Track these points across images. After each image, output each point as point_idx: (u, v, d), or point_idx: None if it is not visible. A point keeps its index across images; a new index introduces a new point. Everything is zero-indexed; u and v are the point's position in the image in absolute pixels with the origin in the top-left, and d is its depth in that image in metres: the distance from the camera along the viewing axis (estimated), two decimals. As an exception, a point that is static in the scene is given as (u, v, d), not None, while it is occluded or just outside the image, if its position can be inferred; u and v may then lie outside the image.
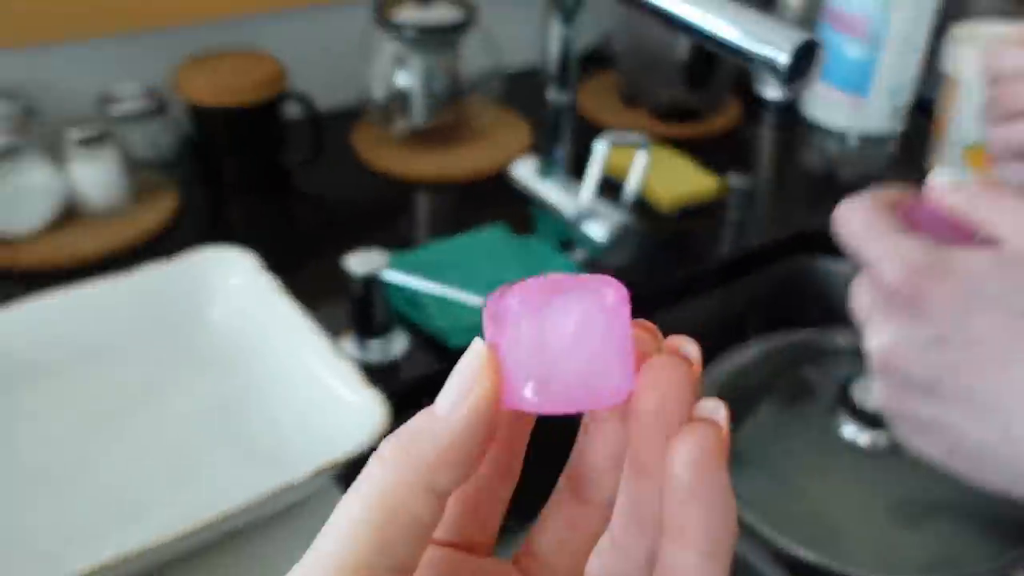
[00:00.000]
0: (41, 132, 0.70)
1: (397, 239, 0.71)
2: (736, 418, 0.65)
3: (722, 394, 0.64)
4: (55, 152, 0.70)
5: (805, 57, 0.42)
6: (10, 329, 0.55)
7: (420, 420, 0.19)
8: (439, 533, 0.22)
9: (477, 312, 0.59)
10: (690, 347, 0.20)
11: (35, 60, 0.74)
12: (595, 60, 1.01)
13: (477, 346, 0.20)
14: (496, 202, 0.75)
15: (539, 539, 0.23)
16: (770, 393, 0.67)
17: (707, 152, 0.83)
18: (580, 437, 0.22)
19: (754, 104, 0.94)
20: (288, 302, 0.56)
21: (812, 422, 0.63)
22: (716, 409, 0.19)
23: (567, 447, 0.22)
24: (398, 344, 0.59)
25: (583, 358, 0.19)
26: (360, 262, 0.56)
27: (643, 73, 0.91)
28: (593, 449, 0.21)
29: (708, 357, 0.67)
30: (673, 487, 0.18)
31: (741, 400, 0.65)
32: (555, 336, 0.19)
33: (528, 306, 0.20)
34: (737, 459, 0.61)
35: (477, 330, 0.64)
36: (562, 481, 0.23)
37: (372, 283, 0.56)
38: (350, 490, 0.19)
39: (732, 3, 0.45)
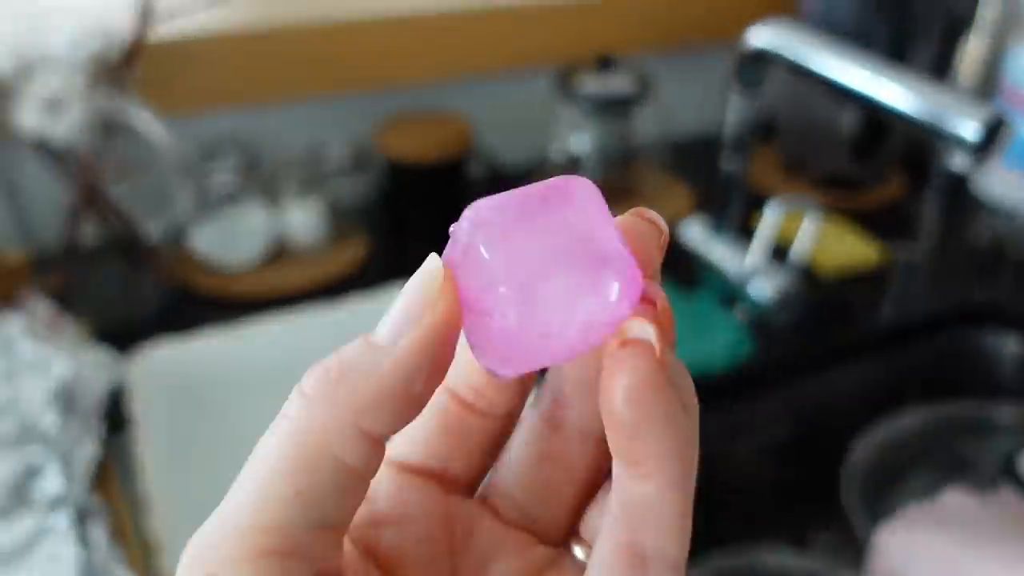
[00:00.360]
0: (261, 179, 0.80)
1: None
2: (895, 484, 0.66)
3: (878, 461, 0.65)
4: (271, 197, 0.79)
5: (992, 133, 0.44)
6: (231, 349, 0.63)
7: (354, 350, 0.17)
8: (411, 454, 0.20)
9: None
10: (655, 287, 0.18)
11: (259, 117, 0.84)
12: (758, 129, 1.05)
13: (431, 264, 0.17)
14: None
15: (504, 474, 0.20)
16: (927, 463, 0.68)
17: (870, 222, 0.85)
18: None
19: (920, 177, 0.95)
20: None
21: (976, 496, 0.63)
22: (643, 329, 0.16)
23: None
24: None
25: (565, 290, 0.17)
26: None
27: (807, 143, 0.94)
28: (568, 370, 0.19)
29: (863, 422, 0.68)
30: (618, 426, 0.16)
31: (896, 468, 0.66)
32: (527, 274, 0.17)
33: (488, 236, 0.17)
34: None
35: None
36: (530, 409, 0.20)
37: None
38: (267, 432, 0.17)
39: (921, 79, 0.48)
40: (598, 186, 0.18)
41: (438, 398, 0.20)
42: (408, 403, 0.16)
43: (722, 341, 0.66)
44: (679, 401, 0.17)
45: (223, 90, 0.80)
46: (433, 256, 0.17)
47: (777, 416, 0.71)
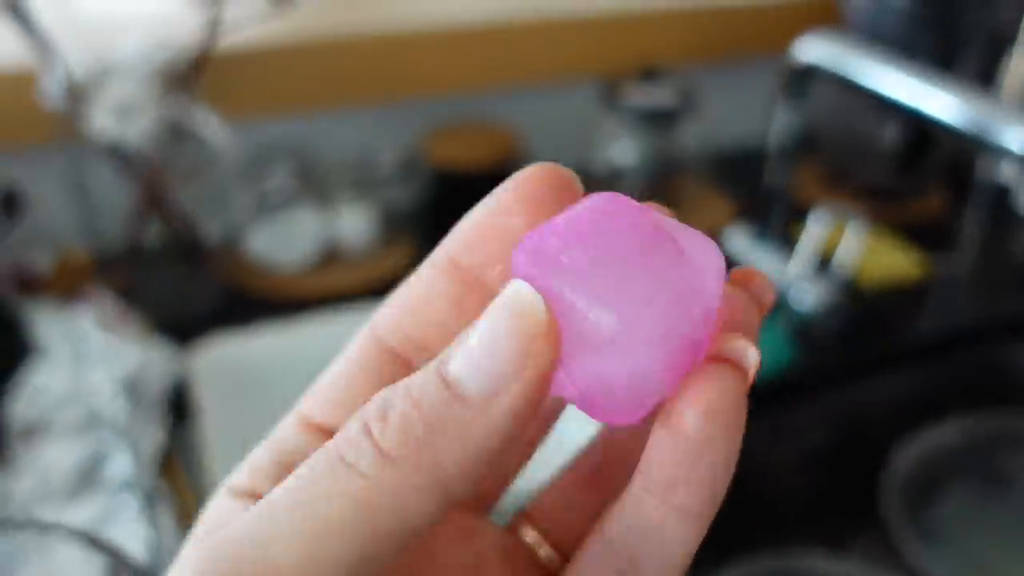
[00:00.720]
0: (314, 184, 0.83)
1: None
2: (934, 495, 0.66)
3: (917, 470, 0.66)
4: (324, 201, 0.82)
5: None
6: (287, 344, 0.66)
7: (436, 399, 0.14)
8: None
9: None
10: (751, 353, 0.16)
11: (314, 123, 0.87)
12: (802, 143, 1.06)
13: (529, 296, 0.14)
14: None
15: (547, 497, 0.19)
16: (967, 474, 0.68)
17: (911, 235, 0.85)
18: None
19: (962, 190, 0.95)
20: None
21: (1011, 505, 0.63)
22: (745, 350, 0.15)
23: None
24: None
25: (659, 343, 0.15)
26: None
27: (849, 155, 0.94)
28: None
29: (903, 432, 0.69)
30: (677, 443, 0.14)
31: (935, 478, 0.66)
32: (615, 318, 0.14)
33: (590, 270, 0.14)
34: (933, 535, 0.62)
35: None
36: None
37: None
38: (323, 476, 0.14)
39: (969, 90, 0.50)
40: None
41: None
42: (484, 467, 0.14)
43: (763, 349, 0.67)
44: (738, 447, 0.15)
45: (282, 97, 0.83)
46: (522, 285, 0.14)
47: (817, 423, 0.72)
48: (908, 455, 0.67)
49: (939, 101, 0.48)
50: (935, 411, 0.74)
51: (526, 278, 0.14)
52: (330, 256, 0.82)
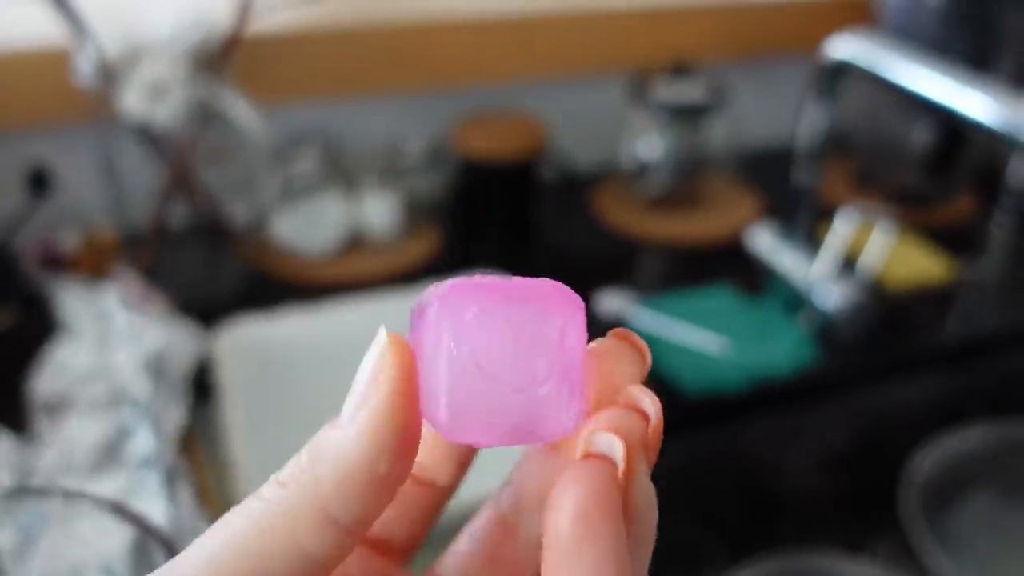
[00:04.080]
0: (341, 171, 0.83)
1: (631, 292, 0.77)
2: (955, 499, 0.66)
3: (943, 473, 0.65)
4: (350, 188, 0.82)
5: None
6: (310, 328, 0.66)
7: (322, 433, 0.16)
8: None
9: (707, 360, 0.64)
10: (648, 400, 0.16)
11: (342, 110, 0.87)
12: (831, 142, 1.05)
13: (380, 338, 0.16)
14: (723, 266, 0.80)
15: (450, 564, 0.20)
16: (988, 479, 0.67)
17: (939, 238, 0.84)
18: (521, 462, 0.19)
19: (991, 195, 0.94)
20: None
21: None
22: (609, 444, 0.16)
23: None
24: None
25: (514, 384, 0.16)
26: (610, 301, 0.63)
27: (879, 157, 0.94)
28: (531, 479, 0.18)
29: (925, 435, 0.68)
30: (556, 543, 0.15)
31: (955, 484, 0.66)
32: (482, 353, 0.16)
33: (453, 310, 0.16)
34: (952, 539, 0.61)
35: (708, 378, 0.71)
36: (490, 506, 0.20)
37: (619, 320, 0.63)
38: (235, 509, 0.16)
39: (1004, 90, 0.49)
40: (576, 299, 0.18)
41: None
42: (375, 486, 0.15)
43: (785, 348, 0.67)
44: (633, 533, 0.15)
45: (311, 83, 0.83)
46: (382, 329, 0.16)
47: (838, 424, 0.71)
48: (928, 459, 0.66)
49: (972, 101, 0.48)
50: (957, 417, 0.73)
51: (429, 318, 0.16)
52: (354, 243, 0.82)
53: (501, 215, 0.88)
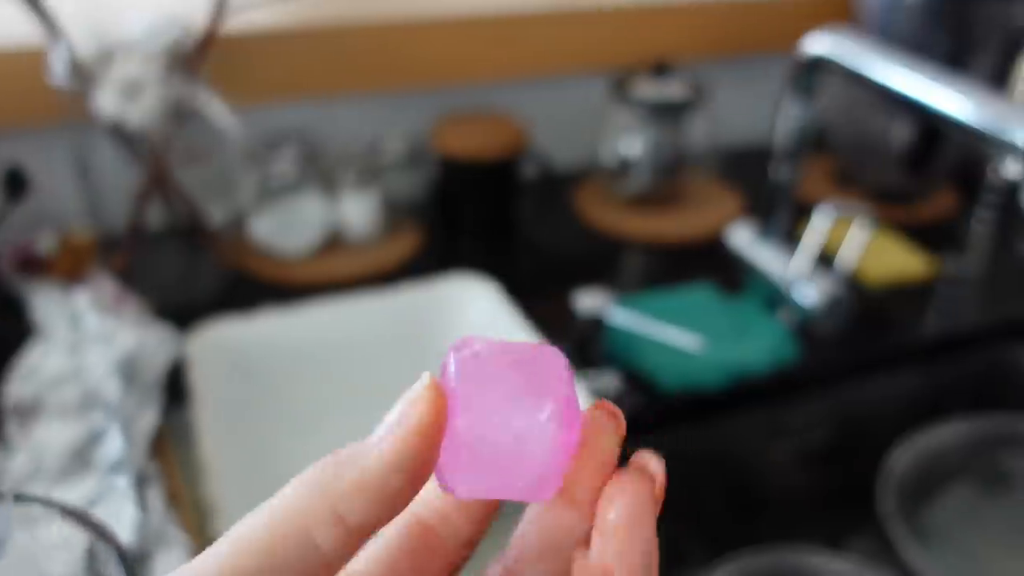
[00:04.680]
0: (320, 171, 0.83)
1: (610, 290, 0.77)
2: (932, 493, 0.66)
3: (920, 467, 0.65)
4: (329, 188, 0.82)
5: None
6: (283, 330, 0.66)
7: (352, 446, 0.19)
8: (374, 572, 0.21)
9: (686, 358, 0.64)
10: (653, 464, 0.19)
11: (321, 110, 0.87)
12: (812, 141, 1.05)
13: (424, 378, 0.19)
14: (703, 264, 0.80)
15: None
16: (966, 474, 0.67)
17: (919, 235, 0.85)
18: (522, 521, 0.21)
19: (971, 192, 0.94)
20: (527, 330, 0.63)
21: (1011, 508, 0.63)
22: (652, 461, 0.19)
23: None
24: (608, 379, 0.65)
25: (513, 452, 0.19)
26: (588, 299, 0.63)
27: (859, 155, 0.94)
28: (530, 534, 0.20)
29: (903, 431, 0.69)
30: (610, 526, 0.18)
31: (939, 476, 0.66)
32: (482, 425, 0.19)
33: (467, 380, 0.19)
34: (929, 533, 0.62)
35: (686, 375, 0.71)
36: (499, 560, 0.21)
37: (597, 318, 0.63)
38: (261, 505, 0.18)
39: (979, 88, 0.49)
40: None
41: (403, 520, 0.21)
42: (384, 498, 0.18)
43: (764, 344, 0.67)
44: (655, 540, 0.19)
45: (288, 82, 0.82)
46: (426, 373, 0.19)
47: (817, 420, 0.71)
48: (907, 454, 0.66)
49: (949, 98, 0.48)
50: (936, 411, 0.73)
51: (449, 371, 0.19)
52: (333, 243, 0.81)
53: (481, 214, 0.87)
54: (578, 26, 0.91)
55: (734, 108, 0.93)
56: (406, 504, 0.18)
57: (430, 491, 0.21)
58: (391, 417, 0.18)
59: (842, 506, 0.72)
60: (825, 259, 0.69)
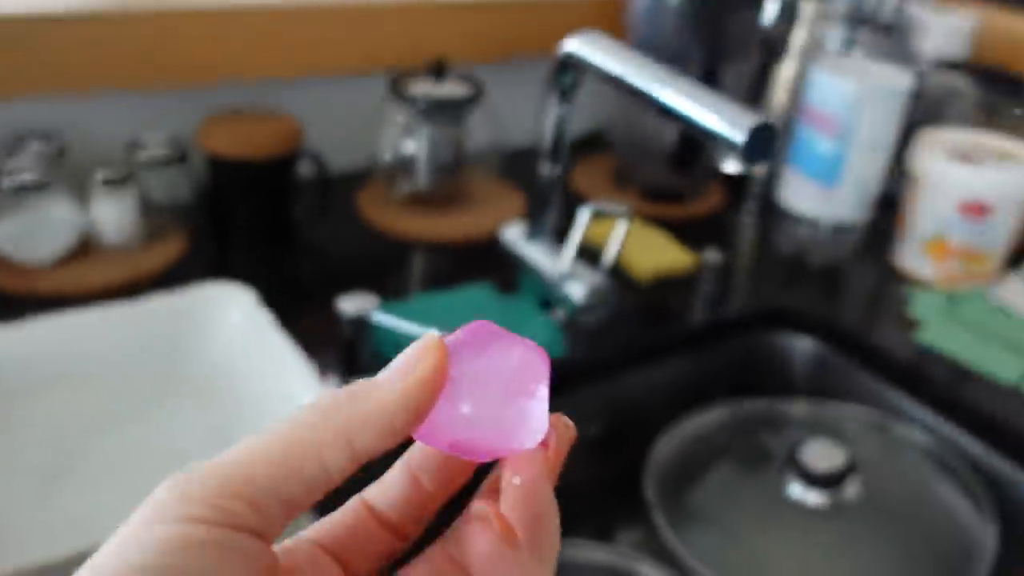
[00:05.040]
0: (71, 171, 0.76)
1: (391, 291, 0.76)
2: (695, 477, 0.69)
3: (684, 453, 0.68)
4: (81, 190, 0.75)
5: (762, 139, 0.47)
6: (17, 344, 0.60)
7: (362, 383, 0.21)
8: (325, 536, 0.23)
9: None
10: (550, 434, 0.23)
11: (74, 106, 0.80)
12: (593, 144, 1.08)
13: (432, 335, 0.22)
14: (486, 263, 0.80)
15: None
16: (728, 455, 0.71)
17: (689, 232, 0.89)
18: (463, 524, 0.23)
19: (737, 190, 1.00)
20: (282, 339, 0.61)
21: (764, 483, 0.66)
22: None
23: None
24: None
25: (504, 402, 0.22)
26: (351, 303, 0.61)
27: (634, 157, 0.97)
28: (471, 541, 0.23)
29: (673, 417, 0.71)
30: (513, 485, 0.22)
31: (701, 460, 0.69)
32: (467, 390, 0.22)
33: (467, 348, 0.22)
34: (692, 516, 0.64)
35: None
36: (436, 545, 0.24)
37: (361, 323, 0.61)
38: (281, 417, 0.21)
39: (702, 89, 0.51)
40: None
41: (353, 501, 0.24)
42: (388, 433, 0.21)
43: (536, 341, 0.67)
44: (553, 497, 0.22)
45: (35, 75, 0.76)
46: (434, 332, 0.22)
47: (590, 414, 0.73)
48: (671, 442, 0.68)
49: (675, 95, 0.50)
50: (702, 398, 0.77)
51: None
52: (88, 249, 0.75)
53: (254, 217, 0.83)
54: (352, 23, 0.89)
55: (513, 108, 0.94)
56: (402, 437, 0.21)
57: (386, 480, 0.24)
58: (398, 364, 0.21)
59: (613, 497, 0.74)
60: (593, 256, 0.71)
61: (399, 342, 0.65)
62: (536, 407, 0.23)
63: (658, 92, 0.51)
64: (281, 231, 0.84)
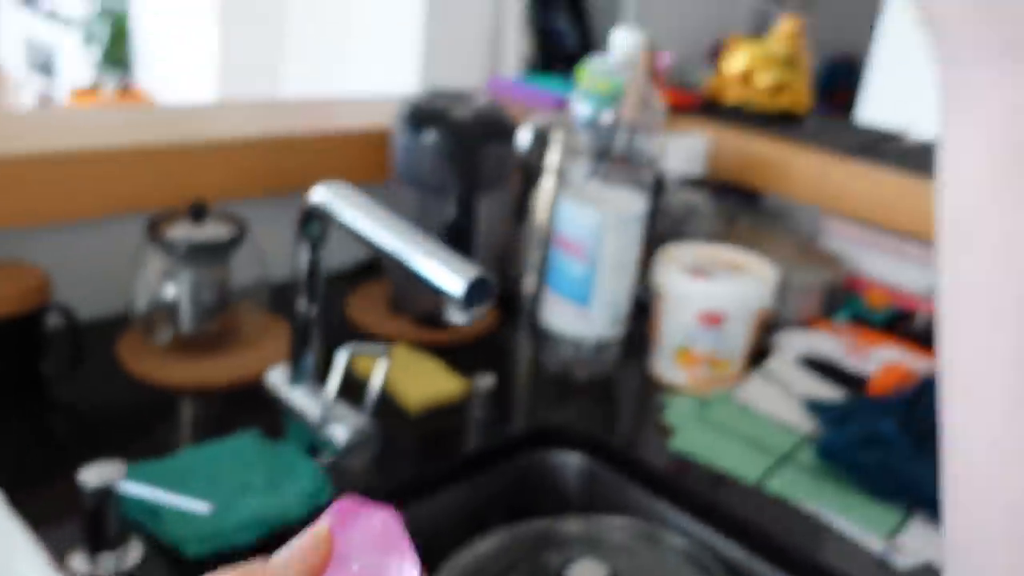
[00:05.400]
0: None
1: (151, 448, 0.72)
2: (474, 610, 0.69)
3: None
4: None
5: (479, 290, 0.50)
6: None
7: (261, 565, 0.29)
8: None
9: (211, 521, 0.61)
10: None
11: None
12: (368, 271, 1.10)
13: (323, 527, 0.30)
14: (254, 408, 0.78)
15: None
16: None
17: (461, 356, 0.91)
18: None
19: (508, 313, 1.04)
20: (9, 520, 0.56)
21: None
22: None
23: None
24: (132, 555, 0.60)
25: (382, 557, 0.30)
26: (94, 474, 0.58)
27: (407, 283, 0.99)
28: None
29: (452, 547, 0.72)
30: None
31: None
32: (360, 547, 0.30)
33: (346, 532, 0.30)
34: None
35: (212, 540, 0.69)
36: None
37: (106, 495, 0.58)
38: None
39: (429, 242, 0.54)
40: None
41: None
42: None
43: (298, 491, 0.66)
44: None
45: None
46: (325, 524, 0.30)
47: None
48: (452, 572, 0.69)
49: (403, 250, 0.52)
50: (482, 524, 0.78)
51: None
52: None
53: (1, 379, 0.78)
54: (107, 167, 0.87)
55: (279, 241, 0.94)
56: None
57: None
58: (296, 550, 0.29)
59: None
60: (362, 392, 0.71)
61: (154, 510, 0.62)
62: (408, 554, 0.30)
63: (391, 247, 0.53)
64: (29, 389, 0.79)
